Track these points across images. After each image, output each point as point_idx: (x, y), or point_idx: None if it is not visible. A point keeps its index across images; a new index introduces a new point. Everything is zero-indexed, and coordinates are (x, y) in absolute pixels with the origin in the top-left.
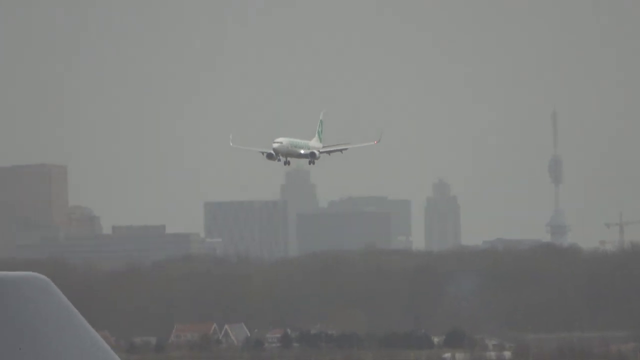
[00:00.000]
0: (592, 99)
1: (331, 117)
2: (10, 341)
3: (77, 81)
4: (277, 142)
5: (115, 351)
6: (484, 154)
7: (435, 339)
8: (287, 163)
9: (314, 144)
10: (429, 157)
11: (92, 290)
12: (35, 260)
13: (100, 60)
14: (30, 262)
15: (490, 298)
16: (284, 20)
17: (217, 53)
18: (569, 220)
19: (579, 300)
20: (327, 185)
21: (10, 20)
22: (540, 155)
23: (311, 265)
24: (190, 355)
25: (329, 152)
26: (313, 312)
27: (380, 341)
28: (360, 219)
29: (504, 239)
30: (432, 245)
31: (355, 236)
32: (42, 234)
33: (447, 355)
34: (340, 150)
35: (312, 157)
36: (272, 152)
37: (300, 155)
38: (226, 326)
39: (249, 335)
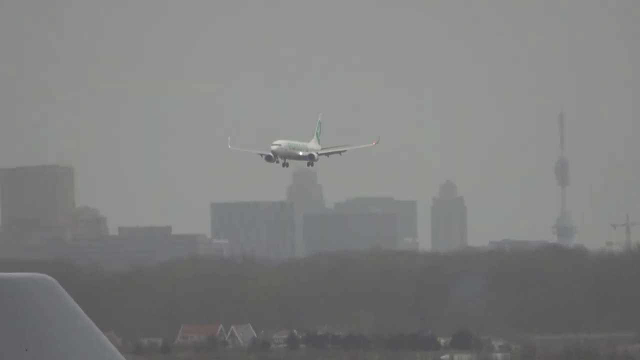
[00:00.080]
0: (599, 101)
1: (330, 119)
2: (17, 342)
3: (83, 82)
4: (276, 145)
5: (121, 352)
6: (491, 155)
7: (442, 340)
8: (285, 165)
9: (313, 145)
10: (435, 158)
11: (99, 291)
12: (41, 261)
13: (104, 61)
14: (37, 263)
15: (496, 299)
16: (284, 21)
17: (218, 54)
18: (576, 222)
19: (585, 301)
20: (334, 186)
21: (16, 23)
22: (546, 157)
23: (317, 266)
24: (197, 357)
25: (327, 154)
26: (319, 313)
27: (386, 342)
28: (367, 220)
29: (511, 240)
30: (439, 246)
31: (361, 237)
32: (49, 235)
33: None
34: (339, 152)
35: (310, 159)
36: (270, 154)
37: (298, 157)
38: (232, 327)
39: (255, 336)
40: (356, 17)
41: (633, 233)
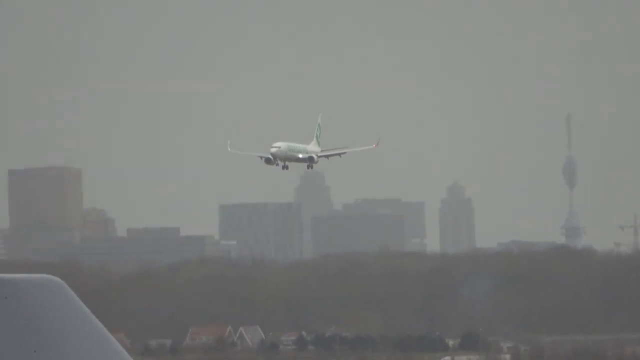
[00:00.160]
0: (606, 101)
1: (331, 120)
2: (25, 343)
3: (83, 82)
4: (275, 147)
5: (130, 354)
6: (499, 155)
7: (450, 342)
8: (285, 168)
9: (312, 148)
10: (443, 159)
11: (107, 292)
12: (49, 262)
13: (104, 61)
14: (45, 264)
15: (504, 300)
16: (284, 21)
17: (218, 54)
18: (584, 222)
19: (593, 302)
20: (341, 187)
21: (16, 23)
22: (554, 157)
23: (326, 267)
24: (205, 358)
25: (327, 156)
26: (328, 315)
27: (394, 343)
28: (375, 222)
29: (519, 241)
30: (447, 248)
31: (369, 238)
32: (57, 236)
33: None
34: (339, 154)
35: (310, 161)
36: (270, 156)
37: (298, 160)
38: (241, 329)
39: (263, 337)
40: (356, 17)
41: None
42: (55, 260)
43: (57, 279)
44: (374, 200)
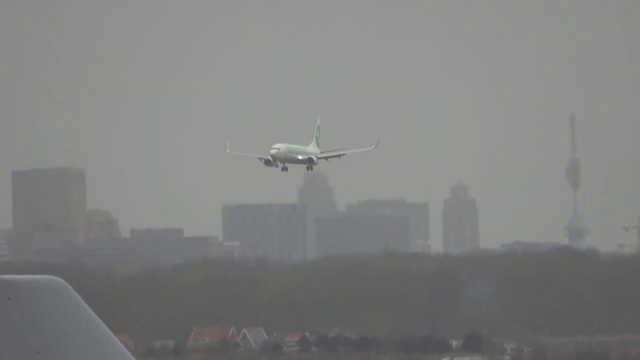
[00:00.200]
0: (607, 101)
1: (331, 120)
2: (29, 344)
3: (83, 82)
4: (275, 149)
5: (133, 355)
6: (502, 156)
7: (454, 343)
8: (285, 169)
9: (312, 149)
10: (445, 160)
11: (110, 293)
12: (53, 264)
13: (104, 61)
14: (49, 265)
15: (508, 301)
16: (284, 21)
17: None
18: (587, 223)
19: (597, 303)
20: (345, 188)
21: (16, 23)
22: (558, 158)
23: (329, 268)
24: (209, 359)
25: (326, 158)
26: (331, 316)
27: (398, 344)
28: (378, 223)
29: (522, 242)
30: (450, 249)
31: (373, 239)
32: (61, 237)
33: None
34: (338, 156)
35: (309, 162)
36: (269, 158)
37: (298, 161)
38: (244, 330)
39: (267, 339)
40: (356, 17)
41: None
42: (60, 262)
43: (60, 280)
44: (378, 201)
